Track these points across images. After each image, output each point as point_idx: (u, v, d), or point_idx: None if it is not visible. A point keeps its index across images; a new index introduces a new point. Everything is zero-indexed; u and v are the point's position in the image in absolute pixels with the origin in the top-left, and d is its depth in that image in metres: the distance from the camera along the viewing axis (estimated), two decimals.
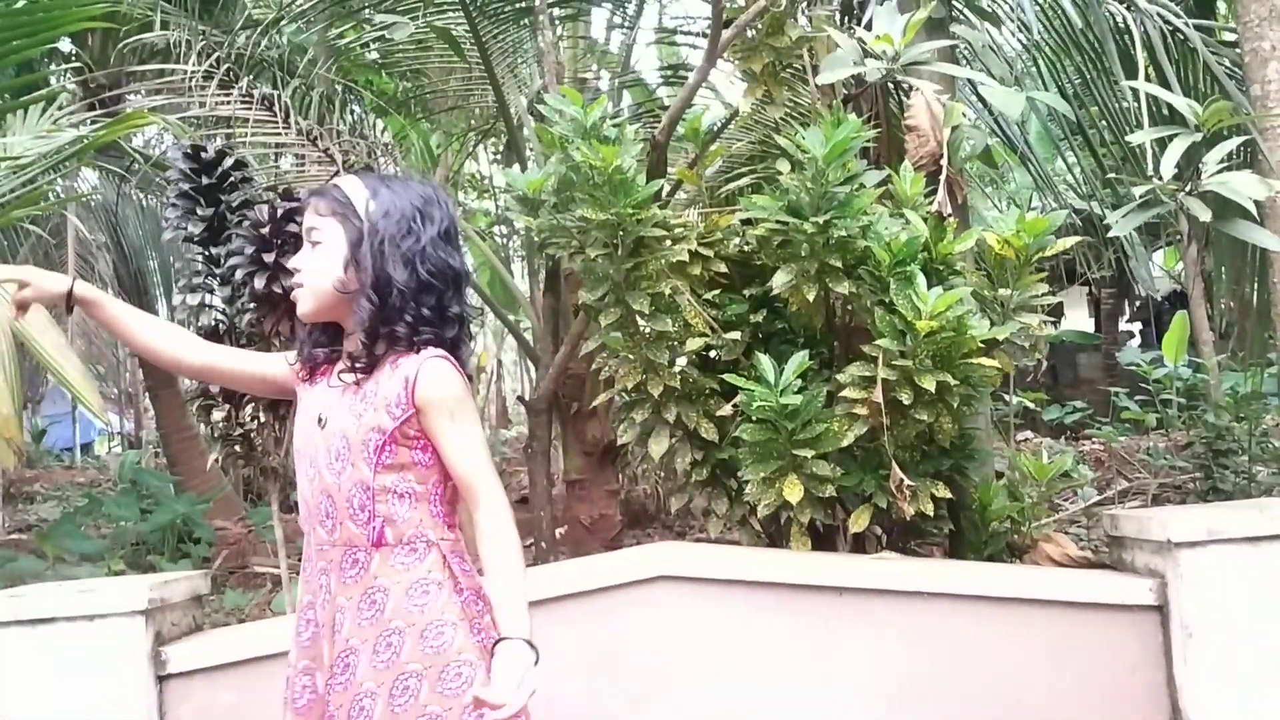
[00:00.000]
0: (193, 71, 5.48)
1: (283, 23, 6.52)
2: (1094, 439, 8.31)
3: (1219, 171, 3.43)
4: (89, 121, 6.31)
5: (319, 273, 1.97)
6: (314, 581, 1.99)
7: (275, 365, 2.20)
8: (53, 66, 8.89)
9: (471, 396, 1.99)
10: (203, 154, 4.48)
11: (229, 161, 4.49)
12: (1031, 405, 7.40)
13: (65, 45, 8.51)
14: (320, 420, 2.00)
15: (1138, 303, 13.23)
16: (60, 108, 5.93)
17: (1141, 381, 7.43)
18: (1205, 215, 3.42)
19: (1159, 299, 11.51)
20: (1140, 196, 3.54)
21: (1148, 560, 3.33)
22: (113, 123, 5.24)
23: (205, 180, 4.45)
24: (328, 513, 1.94)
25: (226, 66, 5.58)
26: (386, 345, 1.95)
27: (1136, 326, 14.25)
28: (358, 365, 1.96)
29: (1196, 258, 7.15)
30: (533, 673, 1.79)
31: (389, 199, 1.98)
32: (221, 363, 2.21)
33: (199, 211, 4.43)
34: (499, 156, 9.29)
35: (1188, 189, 3.49)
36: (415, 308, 1.93)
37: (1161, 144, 3.56)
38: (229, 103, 5.49)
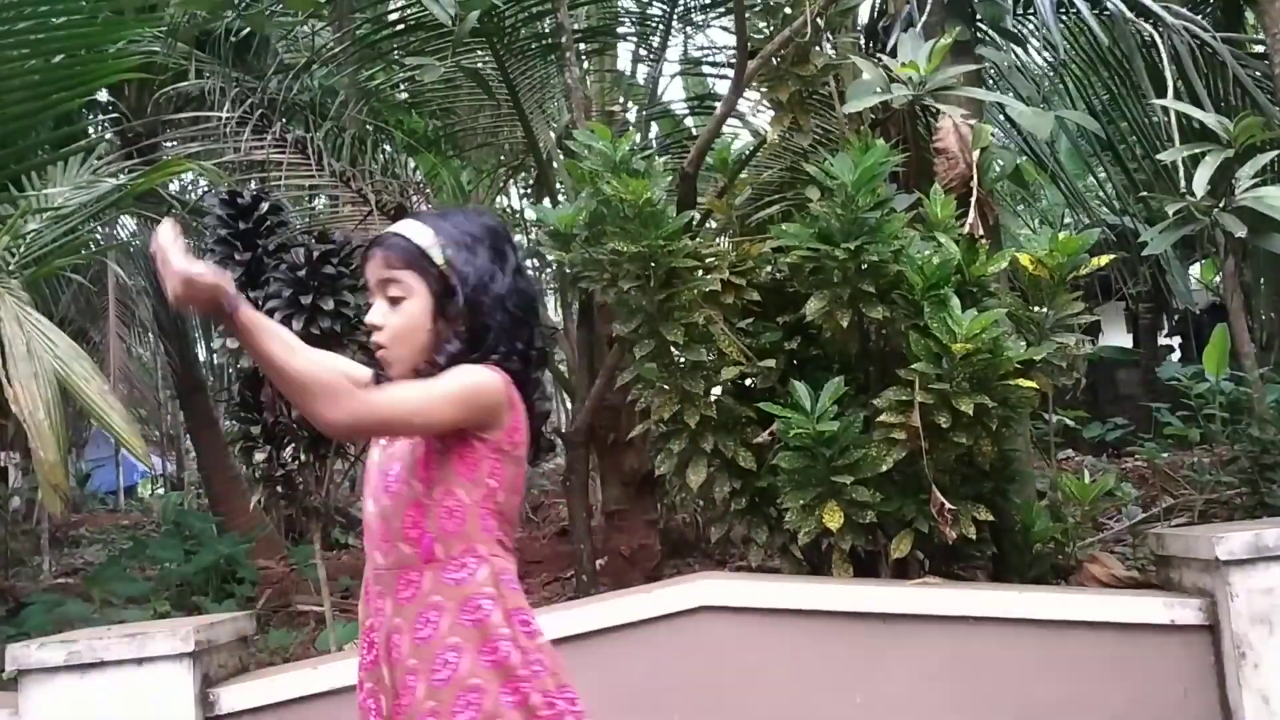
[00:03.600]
0: (227, 118, 5.57)
1: (314, 67, 6.62)
2: (1136, 456, 8.20)
3: (1252, 186, 3.41)
4: (127, 170, 6.42)
5: (409, 333, 1.91)
6: (372, 604, 2.00)
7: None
8: (91, 117, 9.05)
9: (489, 396, 1.89)
10: (239, 199, 4.55)
11: (265, 206, 4.57)
12: (1072, 423, 7.33)
13: (102, 96, 8.67)
14: (383, 445, 2.01)
15: (1176, 317, 13.07)
16: (99, 158, 6.05)
17: (1183, 396, 7.34)
18: (1241, 231, 3.39)
19: (1197, 312, 11.36)
20: (1174, 213, 3.52)
21: (1196, 579, 3.29)
22: (150, 171, 5.33)
23: (242, 225, 4.53)
24: (384, 535, 1.95)
25: (260, 112, 5.68)
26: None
27: (1175, 341, 14.08)
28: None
29: (1234, 270, 7.06)
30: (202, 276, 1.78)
31: (462, 240, 1.93)
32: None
33: (237, 256, 4.50)
34: (529, 191, 9.35)
35: (1222, 205, 3.47)
36: (510, 345, 1.92)
37: (1194, 160, 3.54)
38: (263, 147, 5.58)
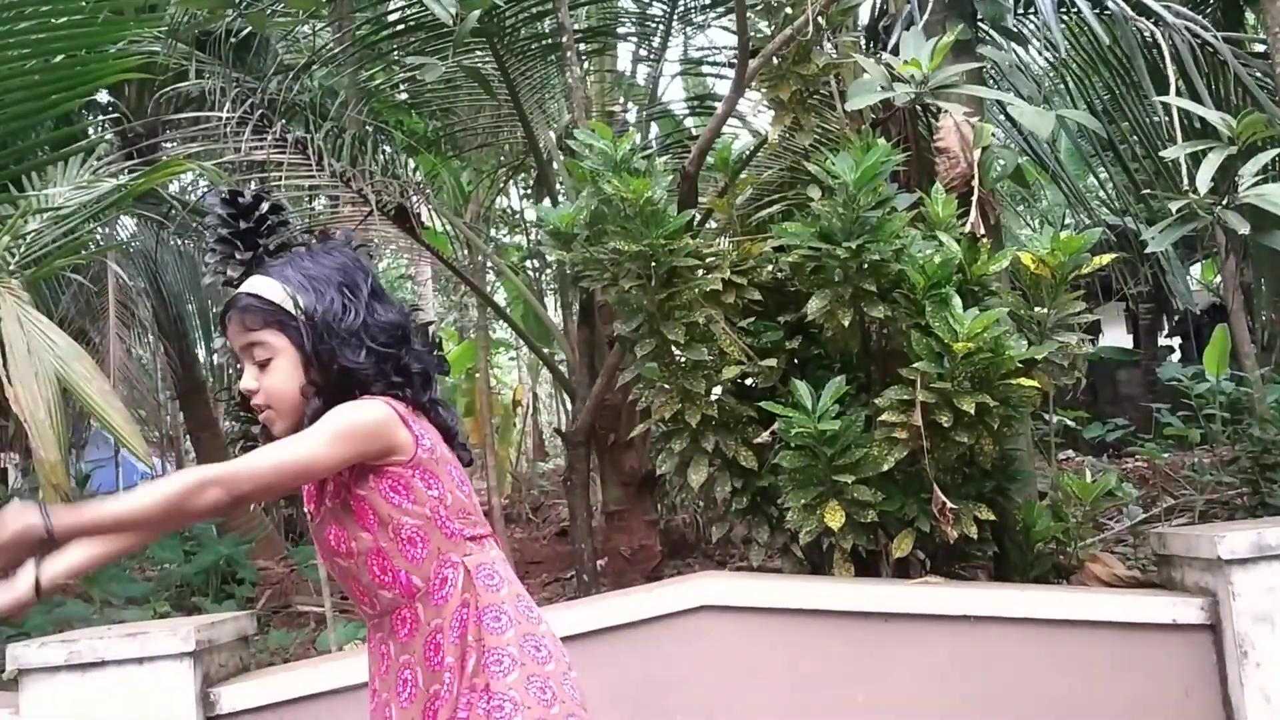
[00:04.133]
0: (227, 118, 5.56)
1: (314, 67, 6.61)
2: (1137, 456, 8.21)
3: (1255, 184, 3.40)
4: (127, 170, 6.42)
5: (284, 390, 1.88)
6: (375, 650, 1.98)
7: None
8: (91, 118, 9.05)
9: (370, 424, 1.84)
10: (240, 199, 4.55)
11: (265, 206, 4.56)
12: (1072, 424, 7.32)
13: (102, 96, 8.67)
14: (310, 516, 1.97)
15: (1176, 317, 13.06)
16: (99, 158, 6.04)
17: (1183, 396, 7.34)
18: (1244, 228, 3.39)
19: (1198, 313, 11.36)
20: (1176, 211, 3.52)
21: (1198, 578, 3.28)
22: (150, 171, 5.32)
23: (243, 225, 4.52)
24: (359, 592, 1.94)
25: (260, 112, 5.66)
26: None
27: (1176, 341, 14.08)
28: None
29: (1235, 270, 7.06)
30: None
31: (311, 285, 1.89)
32: None
33: (237, 256, 4.49)
34: (530, 191, 9.34)
35: (1224, 202, 3.46)
36: (383, 379, 1.90)
37: (1195, 158, 3.54)
38: (263, 147, 5.56)
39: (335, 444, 1.80)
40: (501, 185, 9.15)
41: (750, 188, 5.22)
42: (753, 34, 4.45)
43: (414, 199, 6.15)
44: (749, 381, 3.94)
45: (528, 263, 10.10)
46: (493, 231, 10.81)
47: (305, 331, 1.86)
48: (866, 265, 3.57)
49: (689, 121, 8.17)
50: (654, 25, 7.28)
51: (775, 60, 4.34)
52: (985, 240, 3.79)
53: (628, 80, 8.10)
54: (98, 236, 8.09)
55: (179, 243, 9.61)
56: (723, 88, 6.84)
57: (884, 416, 3.54)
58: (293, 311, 1.87)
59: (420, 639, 1.89)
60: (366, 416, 1.83)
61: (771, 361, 3.82)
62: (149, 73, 5.71)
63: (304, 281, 1.90)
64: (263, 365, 1.89)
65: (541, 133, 6.64)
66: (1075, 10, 4.76)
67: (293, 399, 1.88)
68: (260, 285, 1.90)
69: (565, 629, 3.20)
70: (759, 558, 3.88)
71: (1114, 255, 3.98)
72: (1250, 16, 6.74)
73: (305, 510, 2.00)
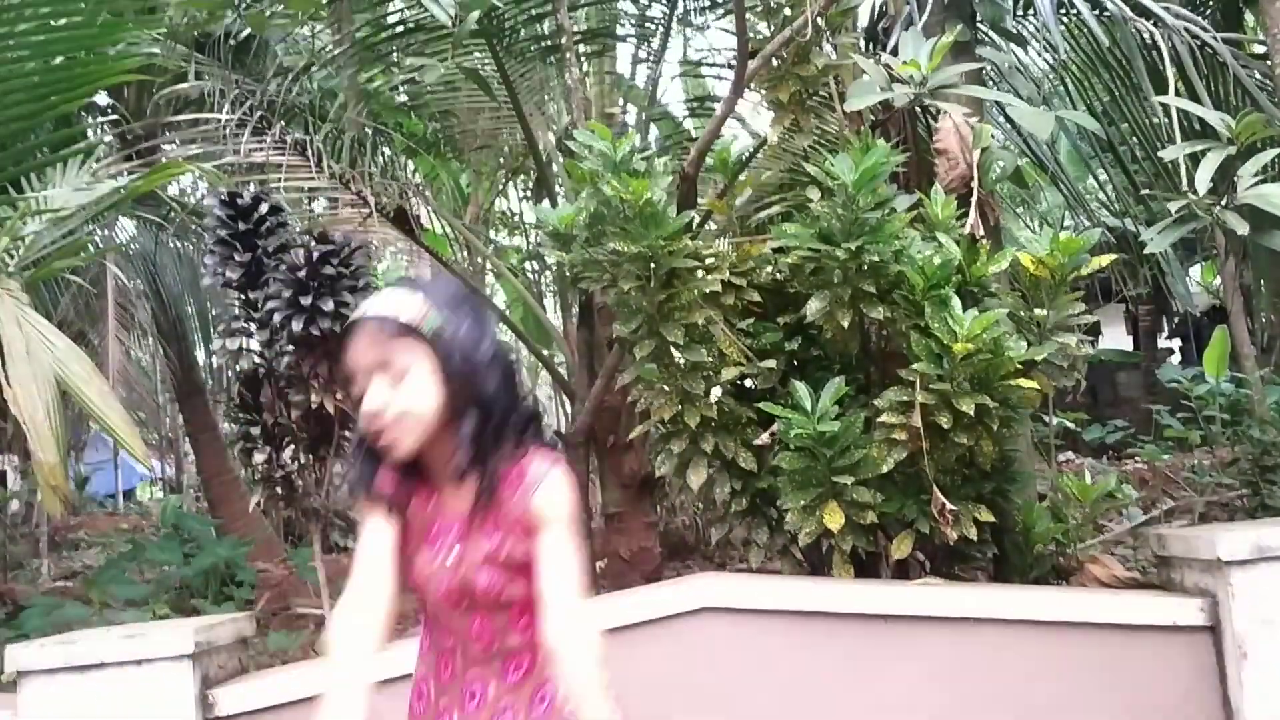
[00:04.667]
0: (226, 120, 5.56)
1: (313, 69, 6.61)
2: (1137, 458, 8.21)
3: (1255, 184, 3.40)
4: (126, 172, 6.41)
5: (418, 406, 1.79)
6: (446, 667, 1.98)
7: (384, 569, 1.91)
8: (90, 120, 9.05)
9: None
10: (239, 200, 4.55)
11: (264, 207, 4.56)
12: (1072, 425, 7.33)
13: (102, 98, 8.66)
14: (442, 560, 1.91)
15: (1176, 319, 13.08)
16: (98, 160, 6.04)
17: (1183, 398, 7.34)
18: (1243, 228, 3.38)
19: (1197, 314, 11.37)
20: (1175, 211, 3.51)
21: (1197, 579, 3.28)
22: (150, 173, 5.32)
23: (242, 226, 4.52)
24: (479, 633, 1.93)
25: (259, 114, 5.66)
26: (493, 457, 1.84)
27: (1175, 343, 14.10)
28: (485, 489, 1.85)
29: (1234, 271, 7.06)
30: None
31: (448, 304, 1.83)
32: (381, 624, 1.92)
33: (236, 257, 4.49)
34: (529, 193, 9.35)
35: (1224, 203, 3.46)
36: (514, 408, 1.87)
37: (1194, 159, 3.54)
38: (262, 149, 5.56)
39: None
40: (501, 187, 9.16)
41: (749, 189, 5.22)
42: (752, 35, 4.45)
43: (413, 201, 6.15)
44: (748, 383, 3.94)
45: (527, 264, 10.10)
46: (492, 233, 10.80)
47: (446, 351, 1.79)
48: (866, 266, 3.57)
49: (688, 123, 8.18)
50: (653, 27, 7.28)
51: (774, 61, 4.34)
52: (984, 241, 3.78)
53: (627, 82, 8.10)
54: (97, 238, 8.09)
55: (178, 245, 9.61)
56: (722, 89, 6.85)
57: (883, 418, 3.54)
58: (427, 329, 1.79)
59: (529, 686, 1.92)
60: (574, 497, 1.88)
61: (771, 363, 3.81)
62: (148, 74, 5.72)
63: (443, 300, 1.84)
64: (398, 382, 1.79)
65: (541, 134, 6.64)
66: (1074, 11, 4.76)
67: (423, 420, 1.80)
68: (398, 300, 1.82)
69: None
70: (758, 559, 3.88)
71: (1114, 257, 3.97)
72: (1250, 18, 6.75)
73: (424, 551, 1.92)
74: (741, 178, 4.71)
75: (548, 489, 1.84)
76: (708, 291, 3.76)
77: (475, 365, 1.81)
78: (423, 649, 2.04)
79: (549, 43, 6.45)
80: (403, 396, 1.78)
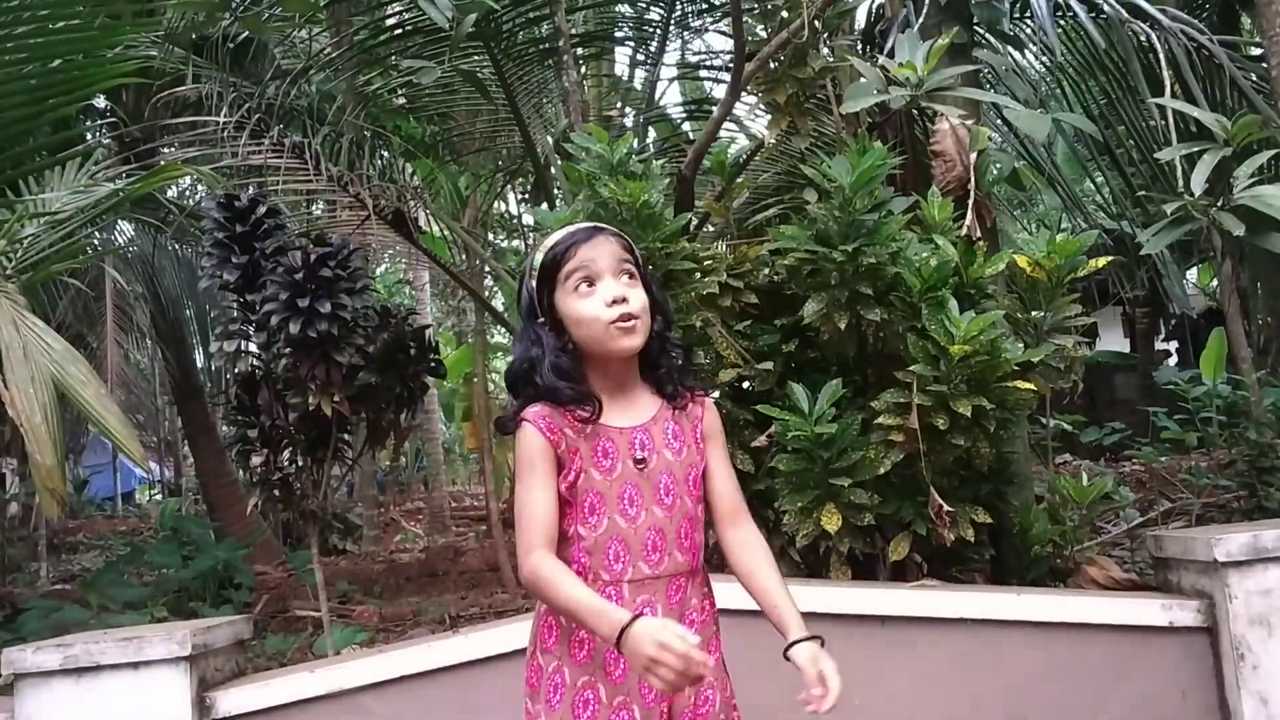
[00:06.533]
0: (225, 122, 5.57)
1: (311, 72, 6.62)
2: (1134, 460, 8.22)
3: (1251, 185, 3.41)
4: (125, 175, 6.42)
5: (647, 307, 2.02)
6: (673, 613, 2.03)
7: (556, 497, 2.00)
8: (88, 123, 9.06)
9: None
10: (236, 203, 4.55)
11: (262, 209, 4.56)
12: (1069, 427, 7.33)
13: (100, 101, 8.68)
14: (638, 460, 2.02)
15: (1173, 321, 13.09)
16: (96, 163, 6.05)
17: (1180, 400, 7.35)
18: (1239, 229, 3.39)
19: (1194, 317, 11.38)
20: (1172, 213, 3.52)
21: (1194, 581, 3.28)
22: (148, 175, 5.32)
23: (239, 228, 4.52)
24: (655, 545, 2.00)
25: (257, 116, 5.67)
26: (675, 385, 2.08)
27: (1172, 345, 14.10)
28: (676, 400, 2.08)
29: (1231, 274, 7.07)
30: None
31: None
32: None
33: (234, 259, 4.49)
34: (527, 196, 9.36)
35: (1220, 204, 3.47)
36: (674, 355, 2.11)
37: (1191, 160, 3.55)
38: (260, 152, 5.57)
39: None
40: (499, 189, 9.16)
41: (747, 191, 5.23)
42: (749, 38, 4.46)
43: (411, 203, 6.16)
44: (745, 385, 3.94)
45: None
46: (490, 236, 10.81)
47: (649, 279, 2.08)
48: (863, 268, 3.57)
49: (686, 126, 8.19)
50: (651, 30, 7.29)
51: (772, 64, 4.35)
52: (981, 243, 3.79)
53: (625, 85, 8.12)
54: (95, 241, 8.10)
55: (176, 247, 9.62)
56: (720, 92, 6.86)
57: (880, 419, 3.54)
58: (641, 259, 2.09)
59: (681, 611, 2.04)
60: None
61: (768, 365, 3.82)
62: (146, 77, 5.72)
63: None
64: (632, 281, 2.02)
65: (539, 137, 6.65)
66: (1071, 14, 4.77)
67: (648, 320, 2.02)
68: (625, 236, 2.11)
69: None
70: None
71: (1110, 259, 3.98)
72: (1245, 20, 6.76)
73: (644, 456, 2.04)
74: (739, 180, 4.71)
75: (712, 409, 2.11)
76: (705, 293, 3.76)
77: (656, 292, 2.09)
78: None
79: (546, 46, 6.45)
80: (640, 295, 2.01)
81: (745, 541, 2.09)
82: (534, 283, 2.05)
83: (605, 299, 1.96)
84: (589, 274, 1.99)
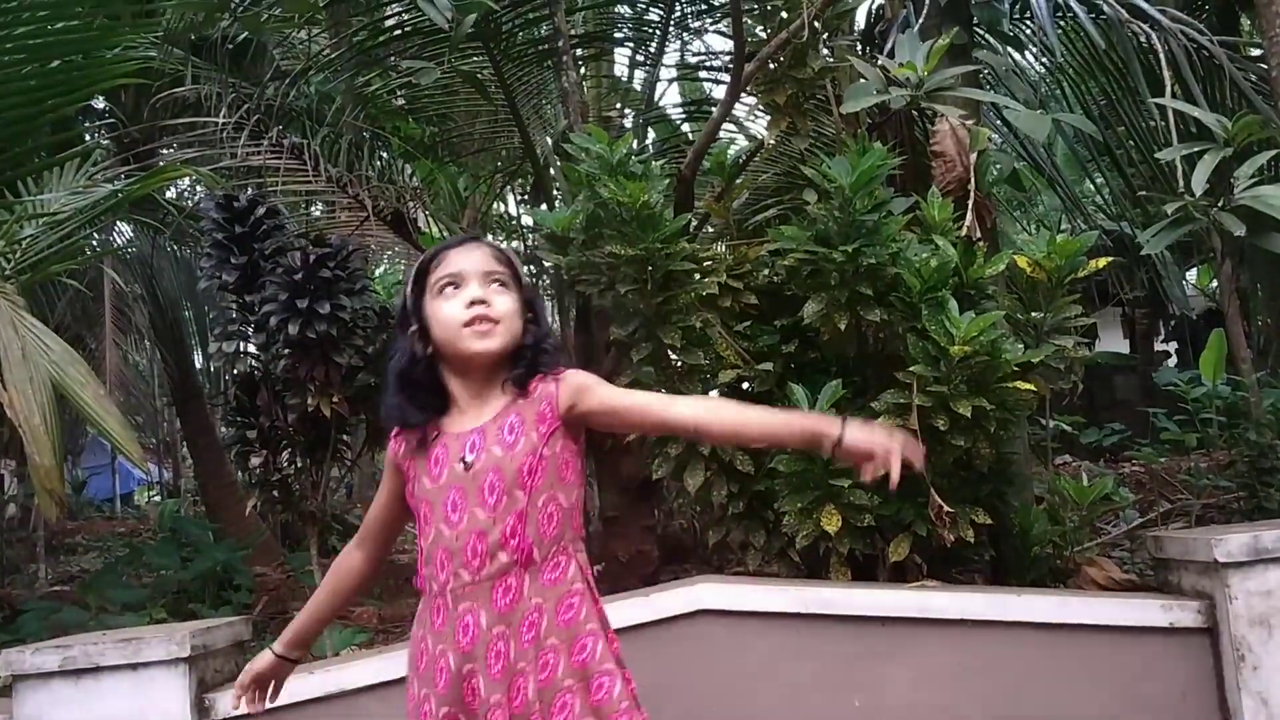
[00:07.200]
0: (224, 123, 5.55)
1: (310, 73, 6.60)
2: (1134, 461, 8.21)
3: (1251, 186, 3.41)
4: (123, 176, 6.41)
5: (514, 314, 2.05)
6: (448, 624, 1.97)
7: (391, 505, 2.18)
8: (87, 123, 9.04)
9: None
10: (235, 204, 4.55)
11: (261, 210, 4.56)
12: (1069, 428, 7.32)
13: (99, 102, 8.66)
14: (464, 463, 2.00)
15: (1173, 322, 13.08)
16: (95, 163, 6.04)
17: (1180, 401, 7.34)
18: (1239, 230, 3.39)
19: (1194, 318, 11.36)
20: (1172, 213, 3.52)
21: (1195, 582, 3.28)
22: (146, 176, 5.32)
23: (238, 229, 4.52)
24: (475, 550, 1.96)
25: (256, 117, 5.66)
26: (530, 378, 2.06)
27: (1172, 346, 14.09)
28: (523, 385, 2.05)
29: (1231, 275, 7.07)
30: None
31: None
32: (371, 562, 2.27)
33: (233, 260, 4.49)
34: (526, 197, 9.35)
35: (1220, 204, 3.46)
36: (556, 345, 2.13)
37: (1191, 161, 3.54)
38: (260, 153, 5.56)
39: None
40: (498, 190, 9.15)
41: (746, 192, 5.22)
42: (749, 38, 4.45)
43: (411, 204, 6.15)
44: (745, 385, 3.94)
45: (525, 267, 10.09)
46: (489, 236, 10.81)
47: (527, 291, 2.12)
48: (863, 269, 3.57)
49: (685, 126, 8.18)
50: (650, 30, 7.27)
51: (771, 64, 4.35)
52: (981, 244, 3.79)
53: (624, 85, 8.11)
54: (94, 242, 8.09)
55: (175, 248, 9.61)
56: (719, 92, 6.85)
57: (880, 420, 3.53)
58: (519, 270, 2.13)
59: (518, 612, 1.95)
60: None
61: (768, 365, 3.81)
62: (145, 78, 5.71)
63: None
64: (501, 289, 2.06)
65: (538, 138, 6.64)
66: (1071, 15, 4.77)
67: (516, 326, 2.05)
68: (495, 244, 2.19)
69: None
70: (756, 562, 3.87)
71: (1110, 259, 3.97)
72: (1245, 21, 6.76)
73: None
74: (738, 181, 4.70)
75: (573, 375, 2.07)
76: (705, 294, 3.76)
77: (537, 307, 2.13)
78: (432, 622, 2.03)
79: (546, 46, 6.44)
80: (506, 302, 2.05)
81: (705, 408, 2.10)
82: (408, 289, 2.10)
83: (464, 300, 2.01)
84: (454, 279, 2.04)
